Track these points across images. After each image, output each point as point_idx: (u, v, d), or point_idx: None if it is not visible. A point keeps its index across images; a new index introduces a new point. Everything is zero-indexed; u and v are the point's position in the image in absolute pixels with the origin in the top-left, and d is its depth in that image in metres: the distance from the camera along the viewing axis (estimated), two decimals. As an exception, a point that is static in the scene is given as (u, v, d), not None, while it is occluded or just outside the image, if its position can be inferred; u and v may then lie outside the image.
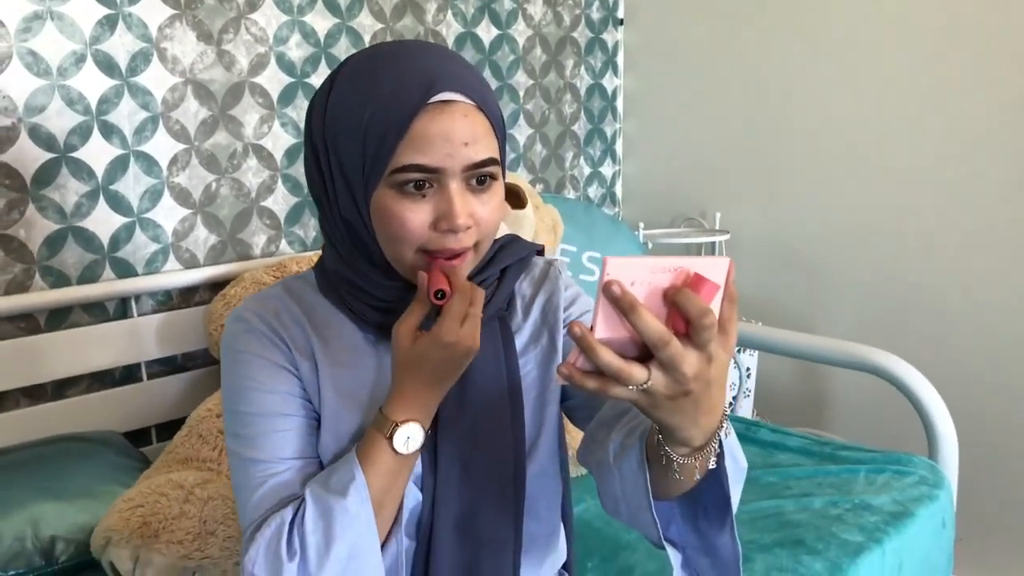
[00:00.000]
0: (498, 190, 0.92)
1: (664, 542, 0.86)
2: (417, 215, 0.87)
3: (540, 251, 1.09)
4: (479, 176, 0.89)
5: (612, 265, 0.66)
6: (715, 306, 0.68)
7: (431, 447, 0.94)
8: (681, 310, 0.67)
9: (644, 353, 0.69)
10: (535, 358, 1.04)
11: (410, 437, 0.88)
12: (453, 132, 0.85)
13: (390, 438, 0.88)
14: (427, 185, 0.86)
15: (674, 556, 0.89)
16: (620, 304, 0.66)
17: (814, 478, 1.87)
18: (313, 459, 0.95)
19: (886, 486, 1.81)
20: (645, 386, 0.69)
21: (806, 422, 2.54)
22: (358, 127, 0.86)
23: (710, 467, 0.78)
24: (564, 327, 1.05)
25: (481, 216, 0.89)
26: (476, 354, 0.89)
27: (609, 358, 0.67)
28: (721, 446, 0.80)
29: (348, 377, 0.96)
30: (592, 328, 0.68)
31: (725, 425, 0.77)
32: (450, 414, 0.95)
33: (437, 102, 0.85)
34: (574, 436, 1.79)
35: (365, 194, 0.89)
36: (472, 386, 0.96)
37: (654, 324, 0.66)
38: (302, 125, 2.15)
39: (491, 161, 0.89)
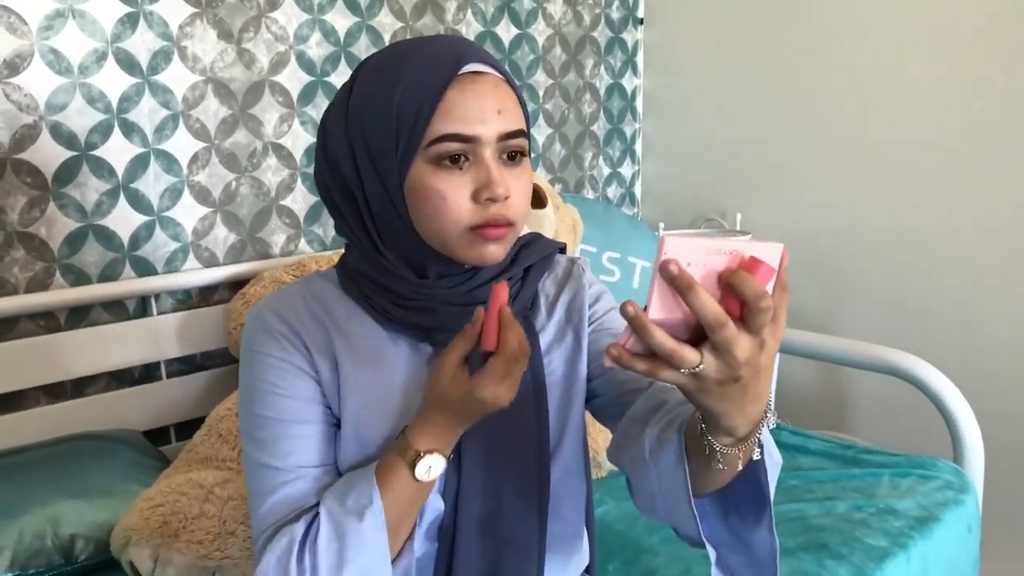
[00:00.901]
0: (528, 169, 0.93)
1: (705, 543, 0.85)
2: (458, 188, 0.87)
3: (562, 249, 1.08)
4: (510, 151, 0.90)
5: (670, 245, 0.65)
6: (770, 288, 0.67)
7: (455, 446, 0.93)
8: (737, 292, 0.66)
9: (694, 337, 0.68)
10: (560, 357, 1.03)
11: (432, 467, 0.88)
12: (486, 100, 0.87)
13: (412, 466, 0.87)
14: (463, 159, 0.87)
15: (712, 553, 0.87)
16: (677, 283, 0.65)
17: (837, 482, 1.86)
18: (329, 467, 0.94)
19: (911, 490, 1.79)
20: (697, 369, 0.67)
21: (827, 424, 2.51)
22: (388, 108, 0.87)
23: (753, 458, 0.77)
24: (589, 325, 1.04)
25: (515, 191, 0.89)
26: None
27: (662, 338, 0.66)
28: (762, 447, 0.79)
29: (371, 378, 0.95)
30: (646, 308, 0.67)
31: (769, 416, 0.76)
32: None
33: (468, 73, 0.88)
34: (593, 438, 1.79)
35: (399, 176, 0.89)
36: None
37: (712, 304, 0.65)
38: (322, 124, 2.14)
39: (522, 133, 0.90)
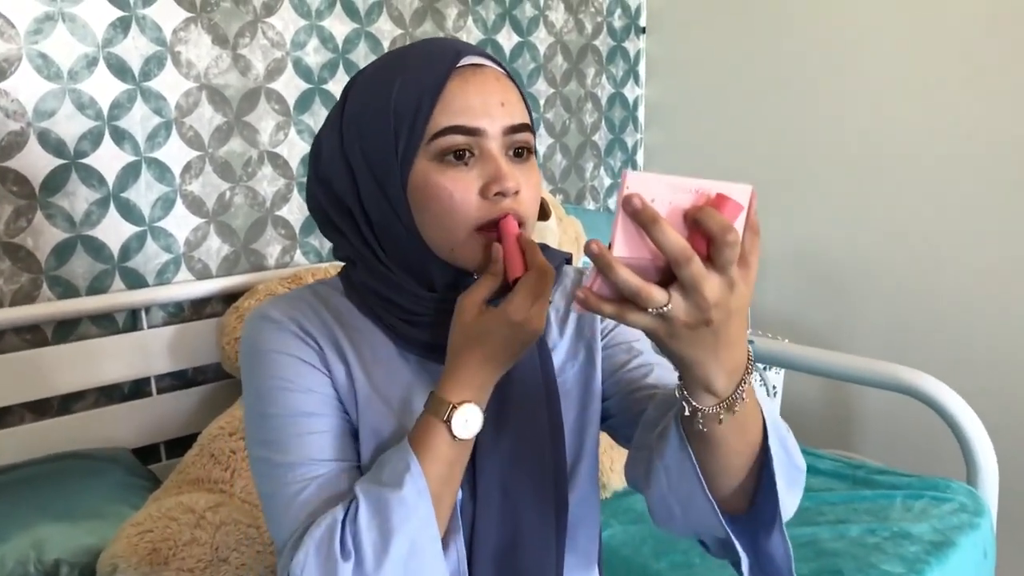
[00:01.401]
0: (535, 168, 0.89)
1: (731, 536, 0.81)
2: (465, 183, 0.83)
3: (568, 260, 1.03)
4: (517, 147, 0.86)
5: (632, 179, 0.63)
6: (738, 227, 0.65)
7: (470, 474, 0.88)
8: (703, 227, 0.64)
9: (663, 280, 0.66)
10: (574, 375, 0.98)
11: (468, 420, 0.81)
12: (488, 92, 0.84)
13: (448, 422, 0.81)
14: (468, 154, 0.83)
15: (744, 561, 0.83)
16: (640, 217, 0.63)
17: (849, 504, 1.81)
18: (355, 464, 0.88)
19: (924, 513, 1.74)
20: (664, 310, 0.65)
21: (834, 443, 2.46)
22: (385, 108, 0.84)
23: (735, 413, 0.72)
24: (602, 340, 1.00)
25: (525, 188, 0.85)
26: (534, 341, 0.83)
27: (627, 276, 0.64)
28: (765, 425, 0.77)
29: (384, 390, 0.90)
30: (610, 246, 0.64)
31: (750, 372, 0.72)
32: (489, 437, 0.88)
33: (468, 65, 0.85)
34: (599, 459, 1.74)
35: (401, 178, 0.84)
36: (510, 406, 0.90)
37: (675, 238, 0.63)
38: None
39: (527, 128, 0.86)
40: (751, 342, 2.17)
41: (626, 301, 0.66)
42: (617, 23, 2.77)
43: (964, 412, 1.83)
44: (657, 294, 0.64)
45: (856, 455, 2.25)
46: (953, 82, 2.21)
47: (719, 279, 0.65)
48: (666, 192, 0.64)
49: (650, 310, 0.65)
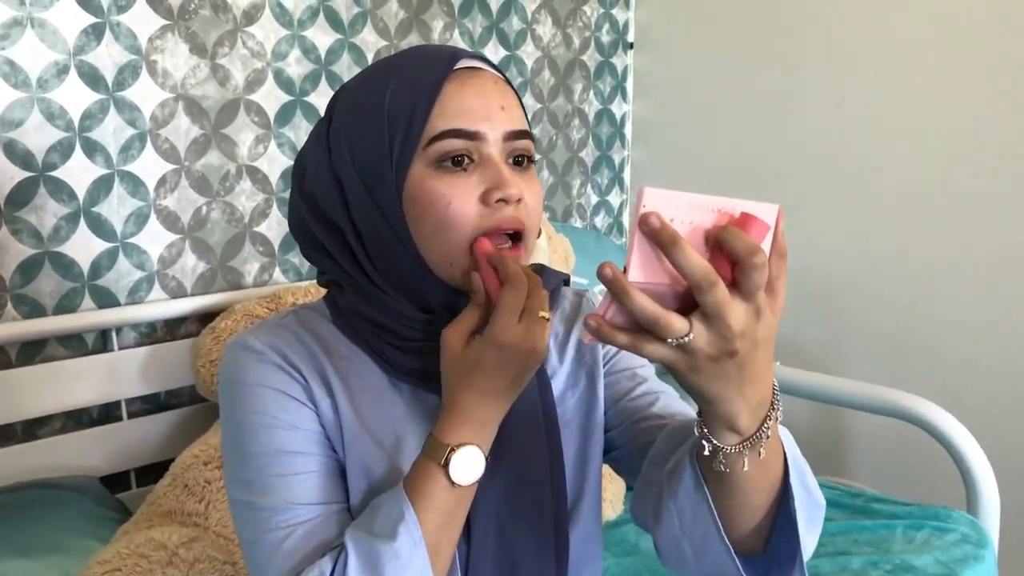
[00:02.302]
0: (537, 178, 0.84)
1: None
2: (463, 190, 0.78)
3: (567, 281, 0.97)
4: (517, 154, 0.82)
5: (649, 196, 0.59)
6: (764, 249, 0.60)
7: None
8: (727, 249, 0.59)
9: (683, 307, 0.61)
10: (575, 404, 0.92)
11: (468, 464, 0.75)
12: (487, 94, 0.80)
13: (445, 466, 0.74)
14: (467, 159, 0.79)
15: None
16: (659, 238, 0.58)
17: (848, 534, 1.76)
18: (343, 505, 0.81)
19: (926, 544, 1.70)
20: (685, 340, 0.60)
21: (827, 469, 2.42)
22: (378, 114, 0.79)
23: (761, 455, 0.67)
24: (604, 366, 0.95)
25: (529, 197, 0.80)
26: (539, 364, 0.77)
27: (644, 303, 0.59)
28: (787, 460, 0.72)
29: (373, 424, 0.83)
30: (625, 270, 0.60)
31: (777, 408, 0.68)
32: (484, 473, 0.80)
33: (465, 68, 0.81)
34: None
35: (396, 186, 0.79)
36: (507, 439, 0.83)
37: (698, 260, 0.58)
38: (300, 145, 2.02)
39: (528, 135, 0.83)
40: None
41: (642, 331, 0.61)
42: (605, 38, 2.73)
43: (963, 438, 1.80)
44: (677, 323, 0.60)
45: (851, 481, 2.21)
46: (949, 101, 2.19)
47: (745, 306, 0.60)
48: (686, 210, 0.60)
49: (670, 341, 0.60)
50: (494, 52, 2.42)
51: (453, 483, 0.75)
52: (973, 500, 1.80)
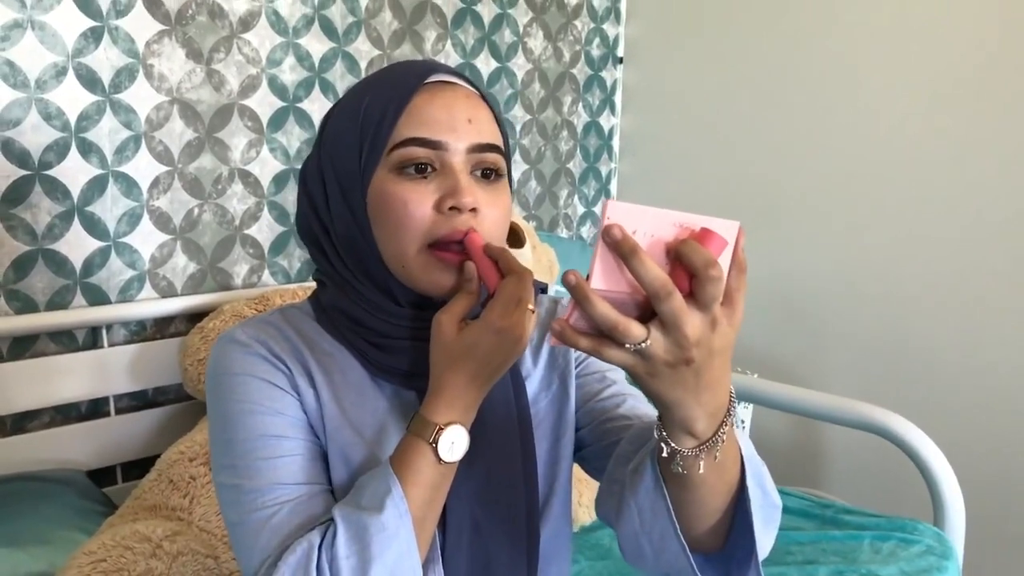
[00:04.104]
0: (505, 192, 0.87)
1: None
2: (420, 195, 0.81)
3: (543, 289, 1.00)
4: (485, 168, 0.84)
5: (613, 209, 0.62)
6: (723, 263, 0.63)
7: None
8: (685, 261, 0.62)
9: (644, 316, 0.64)
10: (547, 406, 0.96)
11: (455, 442, 0.78)
12: (456, 107, 0.83)
13: (434, 444, 0.77)
14: (429, 168, 0.82)
15: None
16: (620, 249, 0.61)
17: (817, 544, 1.79)
18: (327, 488, 0.84)
19: (892, 555, 1.74)
20: (643, 345, 0.63)
21: (802, 480, 2.46)
22: (355, 119, 0.84)
23: (716, 458, 0.71)
24: (576, 369, 0.98)
25: (485, 209, 0.82)
26: (520, 354, 0.80)
27: (604, 309, 0.62)
28: (743, 463, 0.75)
29: (355, 417, 0.87)
30: (588, 277, 0.63)
31: (733, 414, 0.71)
32: (459, 469, 0.84)
33: (437, 81, 0.85)
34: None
35: (363, 186, 0.83)
36: (483, 437, 0.86)
37: (655, 271, 0.61)
38: (292, 151, 2.07)
39: (496, 148, 0.85)
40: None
41: (603, 336, 0.64)
42: (595, 52, 2.77)
43: (932, 453, 1.83)
44: (635, 329, 0.63)
45: (824, 493, 2.24)
46: (932, 121, 2.24)
47: (701, 316, 0.63)
48: (648, 224, 0.63)
49: (628, 346, 0.63)
50: (485, 63, 2.46)
51: (440, 459, 0.78)
52: (939, 512, 1.84)
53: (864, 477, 2.41)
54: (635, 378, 0.67)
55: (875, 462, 2.31)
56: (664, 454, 0.71)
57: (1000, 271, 2.14)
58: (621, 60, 2.86)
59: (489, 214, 0.83)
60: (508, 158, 0.89)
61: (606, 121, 2.86)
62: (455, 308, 0.80)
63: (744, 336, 2.52)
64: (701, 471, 0.71)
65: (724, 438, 0.70)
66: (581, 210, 2.84)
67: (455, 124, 0.82)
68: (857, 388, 2.32)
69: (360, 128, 0.83)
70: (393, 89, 0.83)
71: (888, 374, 2.35)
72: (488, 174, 0.84)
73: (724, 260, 0.63)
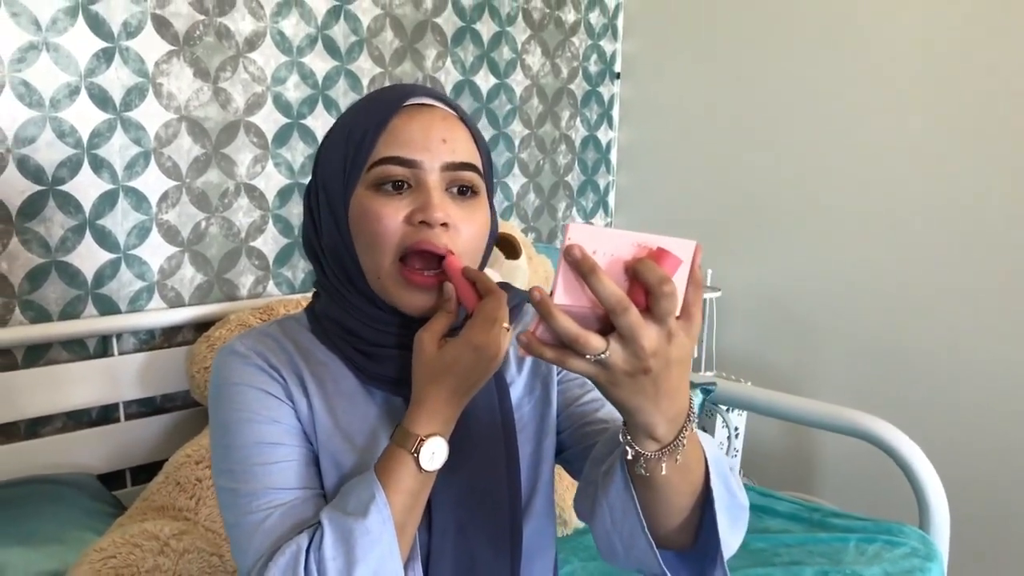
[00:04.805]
0: (482, 209, 0.91)
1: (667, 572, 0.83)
2: (394, 209, 0.86)
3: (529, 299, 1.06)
4: (460, 185, 0.88)
5: (574, 231, 0.66)
6: (678, 281, 0.68)
7: (426, 506, 0.89)
8: (641, 279, 0.66)
9: (605, 329, 0.68)
10: (530, 410, 1.01)
11: (435, 452, 0.83)
12: (432, 128, 0.87)
13: (416, 454, 0.83)
14: (405, 186, 0.87)
15: None
16: (580, 267, 0.65)
17: (804, 546, 1.84)
18: (319, 492, 0.90)
19: (877, 557, 1.78)
20: (603, 356, 0.67)
21: (794, 485, 2.51)
22: (341, 138, 0.89)
23: (678, 460, 0.75)
24: (557, 375, 1.03)
25: (460, 225, 0.87)
26: (496, 369, 0.84)
27: (566, 323, 0.67)
28: (707, 464, 0.79)
29: (346, 423, 0.92)
30: (552, 293, 0.67)
31: (693, 419, 0.76)
32: (446, 471, 0.89)
33: (416, 104, 0.89)
34: (560, 495, 1.76)
35: (345, 201, 0.88)
36: (468, 440, 0.92)
37: (612, 288, 0.65)
38: (296, 166, 2.14)
39: (472, 167, 0.89)
40: (714, 384, 2.22)
41: (567, 347, 0.69)
42: (592, 68, 2.84)
43: (917, 458, 1.87)
44: (595, 341, 0.67)
45: (815, 497, 2.29)
46: (919, 133, 2.28)
47: (657, 329, 0.68)
48: (608, 244, 0.67)
49: (589, 357, 0.68)
50: (485, 80, 2.52)
51: (421, 469, 0.83)
52: (924, 515, 1.88)
53: (854, 482, 2.46)
54: (598, 386, 0.71)
55: (865, 467, 2.35)
56: (629, 457, 0.76)
57: (987, 279, 2.19)
58: (618, 76, 2.92)
59: (464, 230, 0.87)
60: (487, 176, 0.93)
61: (604, 135, 2.92)
62: (435, 326, 0.85)
63: (737, 344, 2.60)
64: (664, 472, 0.75)
65: (685, 442, 0.75)
66: (579, 222, 2.89)
67: (430, 144, 0.86)
68: (848, 395, 2.37)
69: (345, 147, 0.88)
70: (375, 111, 0.88)
71: (878, 381, 2.39)
72: (464, 191, 0.89)
73: (680, 277, 0.68)
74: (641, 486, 0.79)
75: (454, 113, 0.91)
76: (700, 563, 0.86)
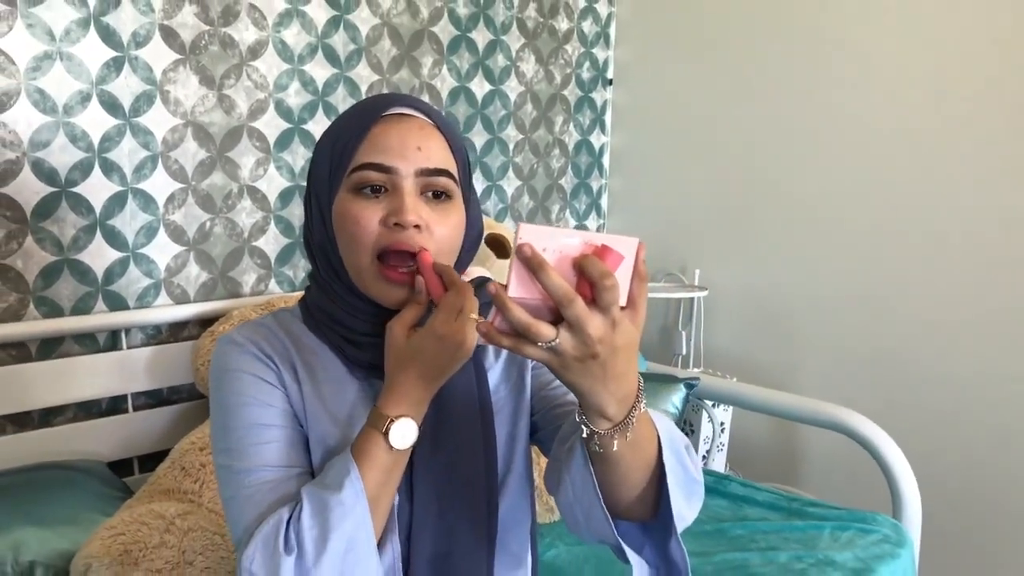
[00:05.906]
0: (456, 211, 0.97)
1: (625, 547, 0.91)
2: (371, 212, 0.93)
3: None
4: (435, 189, 0.95)
5: (525, 230, 0.72)
6: (620, 275, 0.74)
7: (407, 483, 0.97)
8: (585, 274, 0.73)
9: (557, 319, 0.75)
10: (507, 394, 1.08)
11: (404, 432, 0.90)
12: (408, 137, 0.94)
13: (386, 433, 0.89)
14: (383, 190, 0.93)
15: (638, 567, 0.93)
16: (530, 264, 0.72)
17: (781, 532, 1.91)
18: (306, 470, 0.97)
19: (850, 543, 1.85)
20: (553, 343, 0.74)
21: (778, 478, 2.58)
22: (328, 144, 0.97)
23: (628, 437, 0.82)
24: (532, 364, 1.10)
25: (434, 226, 0.94)
26: (466, 358, 0.91)
27: (519, 314, 0.73)
28: (660, 444, 0.86)
29: (334, 407, 1.00)
30: (506, 287, 0.74)
31: (641, 400, 0.82)
32: (427, 449, 0.98)
33: (395, 113, 0.96)
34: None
35: (329, 204, 0.96)
36: (448, 422, 1.00)
37: (559, 282, 0.72)
38: (296, 169, 2.22)
39: (446, 173, 0.95)
40: (697, 379, 2.30)
41: (521, 335, 0.75)
42: (585, 75, 2.92)
43: (890, 448, 1.95)
44: (545, 330, 0.74)
45: (797, 489, 2.36)
46: (906, 138, 2.35)
47: (602, 318, 0.74)
48: (556, 242, 0.73)
49: (541, 344, 0.75)
50: (480, 87, 2.60)
51: (391, 447, 0.91)
52: (897, 505, 1.96)
53: (835, 474, 2.53)
54: (552, 371, 0.78)
55: (844, 460, 2.43)
56: (585, 435, 0.83)
57: (968, 275, 2.25)
58: (611, 82, 3.00)
59: (438, 230, 0.94)
60: (463, 182, 1.00)
61: (596, 139, 3.00)
62: (405, 317, 0.93)
63: (724, 341, 2.66)
64: (615, 449, 0.83)
65: (634, 420, 0.82)
66: (572, 223, 2.98)
67: (406, 152, 0.93)
68: (829, 390, 2.44)
69: (331, 152, 0.96)
70: (358, 120, 0.96)
71: (857, 377, 2.47)
72: (438, 195, 0.95)
73: (623, 271, 0.74)
74: (597, 462, 0.86)
75: (431, 122, 0.98)
76: (662, 534, 0.94)
